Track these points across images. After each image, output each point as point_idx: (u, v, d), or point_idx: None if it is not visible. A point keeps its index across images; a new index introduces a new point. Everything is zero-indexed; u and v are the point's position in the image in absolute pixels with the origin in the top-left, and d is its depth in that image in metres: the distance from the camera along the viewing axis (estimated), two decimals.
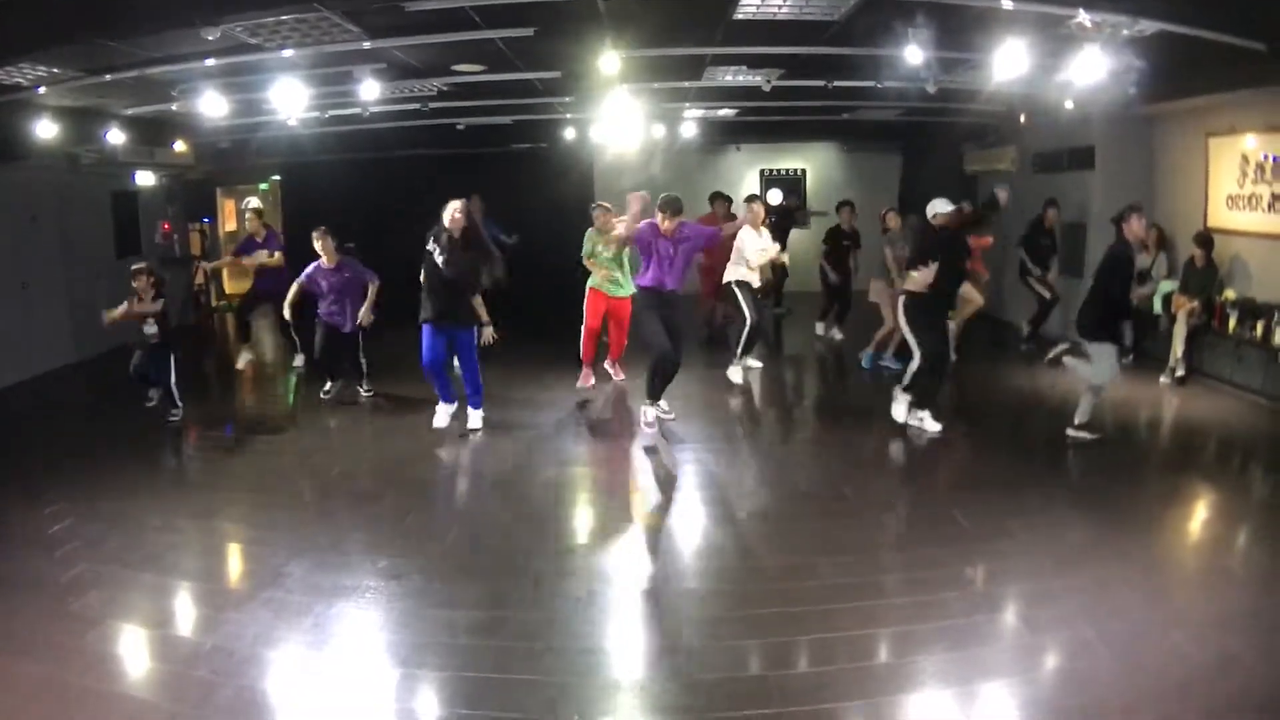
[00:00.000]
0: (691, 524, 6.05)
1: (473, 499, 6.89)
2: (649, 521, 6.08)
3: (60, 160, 10.58)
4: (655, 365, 7.70)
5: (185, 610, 4.89)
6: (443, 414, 8.14)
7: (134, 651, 4.40)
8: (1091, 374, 7.38)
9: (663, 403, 8.03)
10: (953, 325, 10.21)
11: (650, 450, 7.47)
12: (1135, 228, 7.15)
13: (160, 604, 4.88)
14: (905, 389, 7.86)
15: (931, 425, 7.72)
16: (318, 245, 8.80)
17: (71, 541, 5.63)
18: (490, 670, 4.13)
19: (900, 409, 7.89)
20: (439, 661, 4.21)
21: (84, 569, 5.22)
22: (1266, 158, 8.99)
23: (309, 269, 8.88)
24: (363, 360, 9.21)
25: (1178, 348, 9.33)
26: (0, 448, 7.99)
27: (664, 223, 7.52)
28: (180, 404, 8.51)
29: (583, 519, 6.32)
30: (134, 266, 8.36)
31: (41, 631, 4.50)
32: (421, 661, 4.21)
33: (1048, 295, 11.15)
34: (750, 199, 10.36)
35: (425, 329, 7.78)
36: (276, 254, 10.45)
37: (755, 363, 10.25)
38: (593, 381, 9.58)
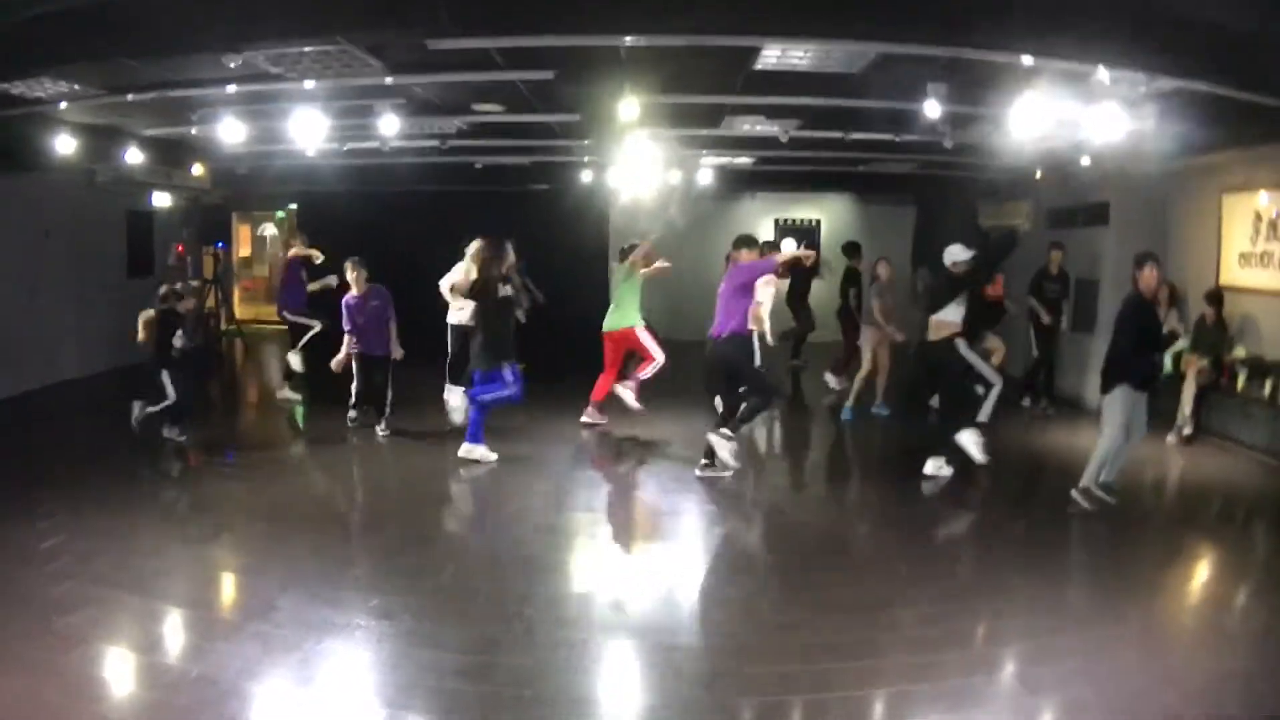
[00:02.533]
0: (690, 575, 5.95)
1: (470, 539, 6.81)
2: (646, 570, 5.99)
3: (77, 176, 10.66)
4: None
5: (172, 636, 4.82)
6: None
7: (116, 674, 4.34)
8: (1100, 434, 7.20)
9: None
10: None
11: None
12: (1146, 276, 6.91)
13: (147, 628, 4.82)
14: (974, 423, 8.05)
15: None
16: (350, 276, 9.00)
17: (61, 558, 5.59)
18: (477, 717, 4.04)
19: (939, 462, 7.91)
20: (425, 705, 4.12)
21: (72, 587, 5.17)
22: (1279, 215, 8.98)
23: (344, 308, 8.99)
24: (389, 393, 9.16)
25: (1186, 406, 9.23)
26: None
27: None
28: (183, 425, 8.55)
29: (580, 564, 6.20)
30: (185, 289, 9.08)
31: (24, 647, 4.44)
32: (407, 704, 4.12)
33: (1036, 354, 10.95)
34: (765, 246, 10.35)
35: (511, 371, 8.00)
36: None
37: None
38: (604, 419, 9.66)
